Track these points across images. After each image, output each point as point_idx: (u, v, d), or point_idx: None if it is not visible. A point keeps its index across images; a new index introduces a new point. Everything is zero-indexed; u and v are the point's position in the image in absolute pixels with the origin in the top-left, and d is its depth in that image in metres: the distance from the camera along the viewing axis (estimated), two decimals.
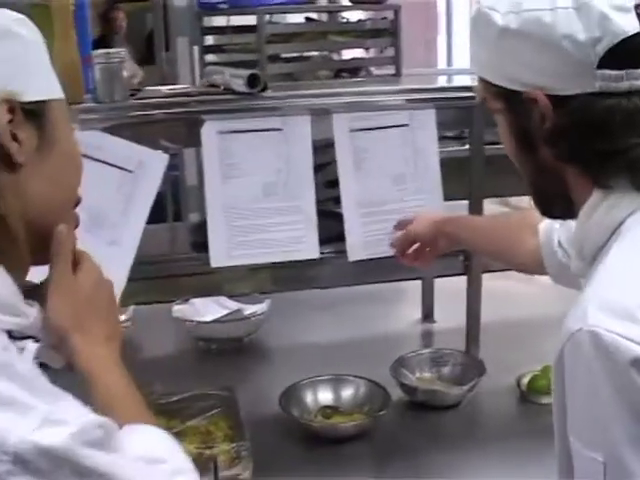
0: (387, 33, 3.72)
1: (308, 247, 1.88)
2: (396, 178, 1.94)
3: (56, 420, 0.80)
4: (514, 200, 3.08)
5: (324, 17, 3.97)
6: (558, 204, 1.14)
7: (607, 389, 0.91)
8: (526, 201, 2.75)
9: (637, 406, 0.89)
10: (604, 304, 0.93)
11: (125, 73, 1.82)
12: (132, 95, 1.86)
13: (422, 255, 1.85)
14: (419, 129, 1.93)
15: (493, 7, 1.08)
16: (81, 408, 0.87)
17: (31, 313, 0.96)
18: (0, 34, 0.93)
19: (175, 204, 4.00)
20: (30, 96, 0.94)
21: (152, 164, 1.77)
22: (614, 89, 1.00)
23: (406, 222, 1.87)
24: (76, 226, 1.05)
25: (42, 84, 0.98)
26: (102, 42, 5.85)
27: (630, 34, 0.99)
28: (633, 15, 1.00)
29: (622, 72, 1.00)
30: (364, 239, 1.93)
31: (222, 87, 1.91)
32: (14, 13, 0.97)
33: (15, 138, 0.92)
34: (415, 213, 1.89)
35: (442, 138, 3.73)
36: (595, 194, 1.06)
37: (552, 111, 1.05)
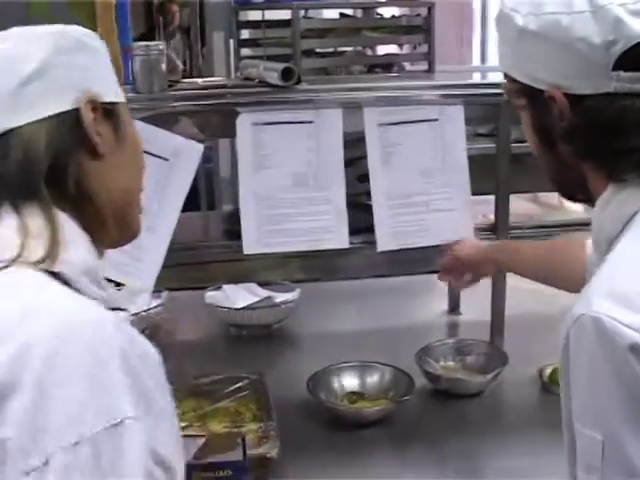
0: (420, 30, 3.74)
1: (337, 237, 1.94)
2: (424, 171, 1.98)
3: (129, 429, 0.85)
4: (542, 196, 3.11)
5: (359, 13, 4.01)
6: (578, 195, 1.20)
7: (606, 372, 0.95)
8: (554, 197, 2.80)
9: (634, 389, 0.93)
10: (607, 292, 0.97)
11: (164, 66, 1.88)
12: (170, 86, 1.92)
13: (465, 277, 1.95)
14: (448, 124, 1.97)
15: (514, 8, 1.12)
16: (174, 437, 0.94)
17: (108, 289, 1.06)
18: (78, 46, 1.08)
19: (209, 196, 4.06)
20: (107, 98, 1.09)
21: (187, 153, 1.83)
22: (629, 90, 1.04)
23: (453, 244, 1.95)
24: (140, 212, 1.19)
25: (113, 88, 1.13)
26: (153, 33, 6.10)
27: None
28: None
29: (637, 74, 1.03)
30: (393, 230, 1.98)
31: (257, 80, 1.96)
32: (84, 29, 1.13)
33: (98, 133, 1.06)
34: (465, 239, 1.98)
35: (476, 135, 3.76)
36: (610, 188, 1.10)
37: (569, 109, 1.09)
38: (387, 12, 4.28)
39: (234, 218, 1.98)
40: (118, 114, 1.12)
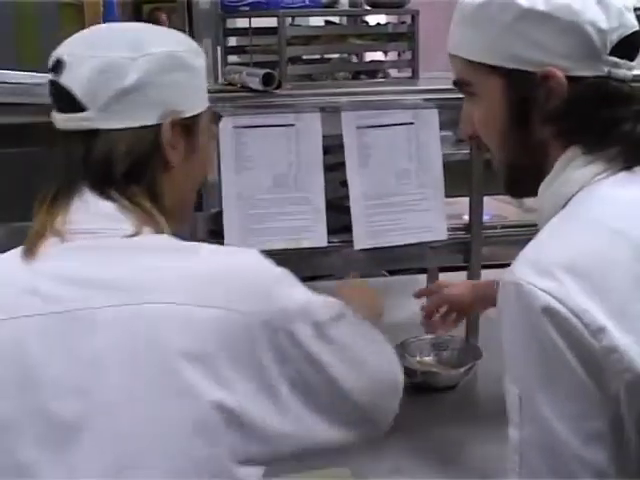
0: (405, 37, 3.80)
1: (316, 236, 2.01)
2: (400, 173, 2.06)
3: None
4: (526, 200, 3.18)
5: (345, 20, 4.08)
6: (529, 180, 1.25)
7: (523, 332, 1.05)
8: None
9: (546, 348, 1.02)
10: (529, 262, 1.07)
11: None
12: None
13: (450, 319, 2.00)
14: (423, 127, 2.05)
15: None
16: None
17: None
18: (180, 66, 1.20)
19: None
20: (188, 113, 1.21)
21: None
22: (615, 75, 1.15)
23: (440, 286, 2.01)
24: None
25: (198, 101, 1.25)
26: None
27: (637, 29, 1.15)
28: (634, 15, 1.15)
29: (624, 61, 1.16)
30: (369, 229, 2.05)
31: (239, 85, 2.04)
32: (192, 43, 1.26)
33: (173, 147, 1.19)
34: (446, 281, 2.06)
35: (458, 141, 3.82)
36: (554, 169, 1.19)
37: (566, 89, 1.16)
38: (374, 19, 4.35)
39: (218, 219, 2.04)
40: (196, 126, 1.24)
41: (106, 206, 1.15)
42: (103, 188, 1.16)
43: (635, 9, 1.17)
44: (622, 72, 1.16)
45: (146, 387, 1.03)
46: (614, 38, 1.14)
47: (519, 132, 1.23)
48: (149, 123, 1.17)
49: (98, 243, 1.13)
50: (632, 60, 1.18)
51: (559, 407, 1.03)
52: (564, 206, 1.17)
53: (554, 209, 1.18)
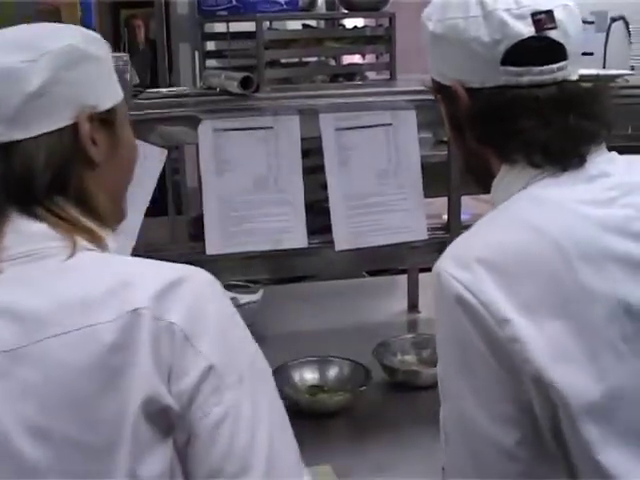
0: (382, 40, 3.82)
1: (296, 237, 2.02)
2: (380, 174, 2.07)
3: None
4: None
5: (322, 24, 4.10)
6: (486, 181, 1.30)
7: (440, 317, 1.13)
8: None
9: (458, 334, 1.09)
10: (452, 254, 1.14)
11: (129, 76, 1.96)
12: (135, 96, 2.00)
13: None
14: (401, 128, 2.06)
15: (428, 17, 1.28)
16: None
17: None
18: (83, 59, 1.11)
19: (177, 206, 4.13)
20: (105, 105, 1.13)
21: (152, 158, 1.90)
22: (516, 82, 1.19)
23: None
24: None
25: (111, 93, 1.17)
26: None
27: (525, 37, 1.17)
28: (529, 22, 1.17)
29: (521, 68, 1.18)
30: (350, 230, 2.06)
31: (218, 89, 2.05)
32: (90, 33, 1.16)
33: (94, 142, 1.11)
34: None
35: (438, 142, 3.84)
36: (501, 172, 1.24)
37: (468, 100, 1.23)
38: (351, 23, 4.37)
39: (199, 222, 2.05)
40: (114, 119, 1.15)
41: (35, 226, 1.07)
42: (28, 206, 1.07)
43: (534, 14, 1.18)
44: (527, 79, 1.19)
45: None
46: (501, 49, 1.18)
47: (460, 139, 1.31)
48: (63, 124, 1.08)
49: (29, 270, 1.05)
50: (549, 63, 1.19)
51: (471, 389, 1.09)
52: None
53: None
